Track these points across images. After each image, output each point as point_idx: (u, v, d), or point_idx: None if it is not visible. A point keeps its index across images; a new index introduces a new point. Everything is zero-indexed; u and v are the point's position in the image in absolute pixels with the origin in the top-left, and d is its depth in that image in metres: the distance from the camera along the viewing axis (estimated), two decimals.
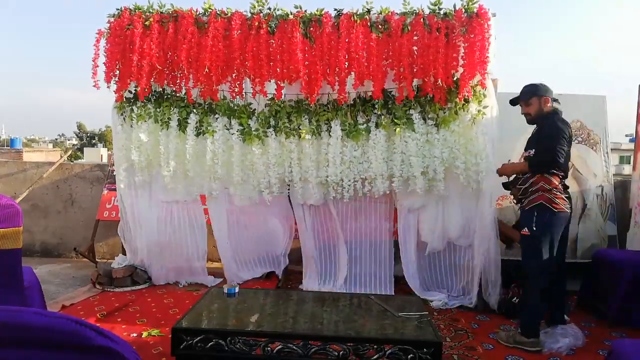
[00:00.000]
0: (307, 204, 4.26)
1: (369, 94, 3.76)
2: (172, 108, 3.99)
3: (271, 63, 3.71)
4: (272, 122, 3.89)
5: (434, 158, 3.70)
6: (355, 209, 4.38)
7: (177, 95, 4.06)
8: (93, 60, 3.85)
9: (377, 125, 3.77)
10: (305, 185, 3.95)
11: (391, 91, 3.83)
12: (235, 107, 3.98)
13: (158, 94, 4.09)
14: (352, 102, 3.89)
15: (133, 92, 4.07)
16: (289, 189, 4.21)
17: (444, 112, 3.74)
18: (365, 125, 3.82)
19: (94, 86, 3.81)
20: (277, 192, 3.96)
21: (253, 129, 3.87)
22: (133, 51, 3.78)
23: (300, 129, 3.84)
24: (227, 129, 3.93)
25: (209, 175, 3.96)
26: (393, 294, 4.11)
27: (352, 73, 3.70)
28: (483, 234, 3.73)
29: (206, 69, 3.71)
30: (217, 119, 3.93)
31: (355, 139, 3.79)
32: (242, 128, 3.90)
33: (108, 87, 3.97)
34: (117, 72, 3.98)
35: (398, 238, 4.23)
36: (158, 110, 4.01)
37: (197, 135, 3.95)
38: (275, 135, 3.87)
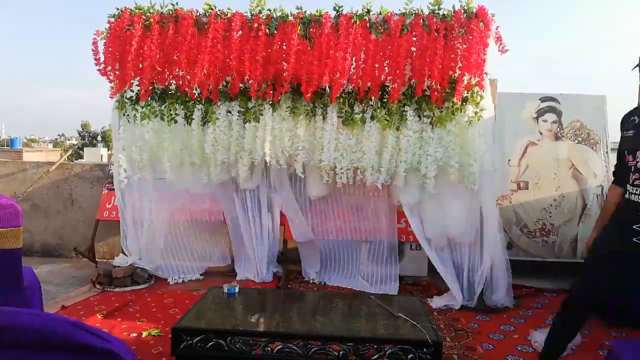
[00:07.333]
0: (310, 199, 4.25)
1: (368, 84, 3.65)
2: (177, 105, 3.96)
3: (277, 73, 3.66)
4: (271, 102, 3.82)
5: (426, 156, 3.66)
6: (356, 207, 4.36)
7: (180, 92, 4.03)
8: (96, 60, 3.82)
9: (372, 118, 3.71)
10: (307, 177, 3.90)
11: (388, 85, 3.74)
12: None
13: (161, 90, 4.05)
14: (349, 91, 3.78)
15: (135, 91, 4.06)
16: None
17: (441, 112, 3.71)
18: (361, 115, 3.75)
19: (108, 81, 3.87)
20: (284, 164, 3.85)
21: (250, 107, 3.82)
22: (133, 52, 3.77)
23: (297, 108, 3.78)
24: (229, 112, 3.88)
25: (212, 163, 3.95)
26: (397, 293, 4.10)
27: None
28: (488, 234, 3.73)
29: (204, 71, 3.70)
30: (219, 106, 3.89)
31: (351, 128, 3.73)
32: (242, 110, 3.86)
33: (113, 86, 3.96)
34: (117, 72, 3.97)
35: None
36: (163, 107, 3.97)
37: (203, 125, 3.92)
38: (273, 112, 3.80)
